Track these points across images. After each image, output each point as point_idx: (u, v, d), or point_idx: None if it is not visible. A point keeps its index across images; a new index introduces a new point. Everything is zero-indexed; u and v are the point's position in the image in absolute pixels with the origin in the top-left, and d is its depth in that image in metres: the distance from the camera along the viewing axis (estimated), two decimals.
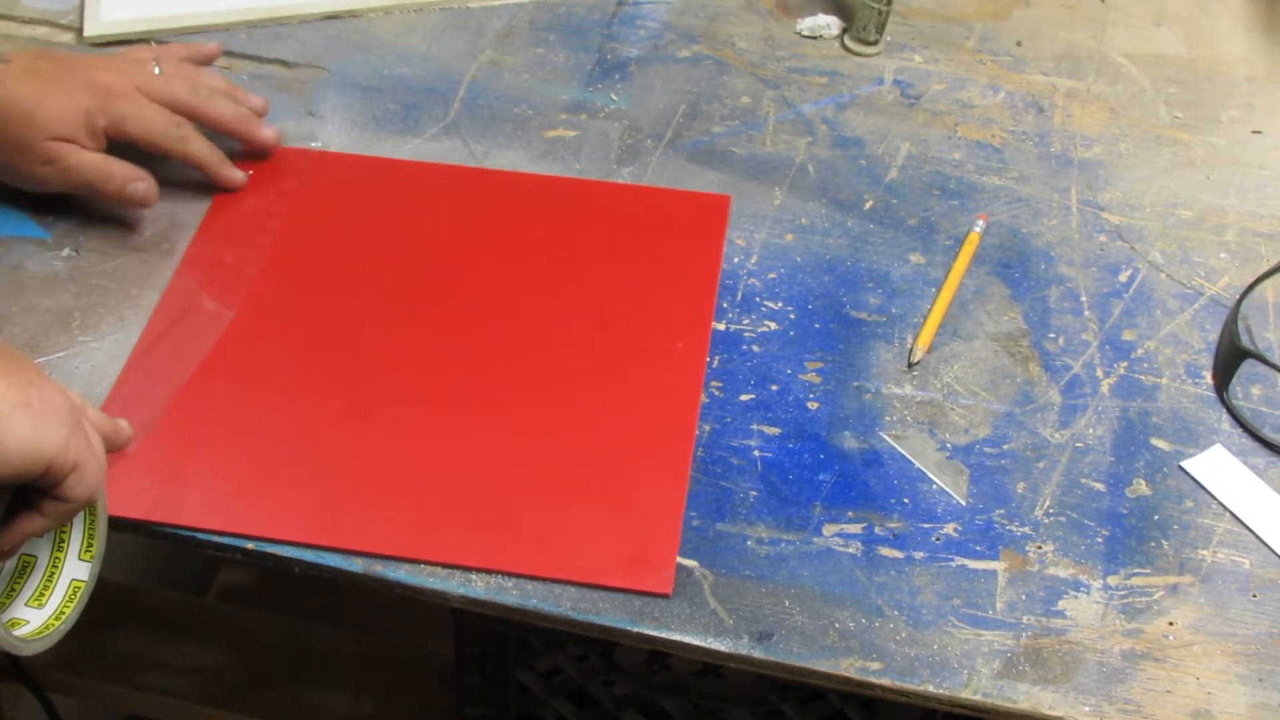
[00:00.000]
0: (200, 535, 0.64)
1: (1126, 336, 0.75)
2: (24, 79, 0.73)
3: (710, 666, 0.79)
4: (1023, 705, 0.59)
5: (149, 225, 0.78)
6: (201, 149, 0.78)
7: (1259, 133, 0.88)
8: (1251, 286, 0.76)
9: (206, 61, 0.84)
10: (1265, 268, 0.78)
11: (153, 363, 0.70)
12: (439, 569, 0.63)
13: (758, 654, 0.61)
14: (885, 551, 0.65)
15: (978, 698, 0.60)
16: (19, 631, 0.58)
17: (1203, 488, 0.68)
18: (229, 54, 0.89)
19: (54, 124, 0.73)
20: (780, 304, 0.76)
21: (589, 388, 0.70)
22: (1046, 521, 0.66)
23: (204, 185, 0.80)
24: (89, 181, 0.75)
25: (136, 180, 0.75)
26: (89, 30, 0.89)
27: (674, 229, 0.79)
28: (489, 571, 0.63)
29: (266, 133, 0.81)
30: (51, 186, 0.75)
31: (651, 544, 0.64)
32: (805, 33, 0.94)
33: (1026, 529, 0.66)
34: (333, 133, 0.85)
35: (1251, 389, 0.72)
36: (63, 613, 0.59)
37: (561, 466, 0.67)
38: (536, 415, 0.69)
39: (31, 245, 0.76)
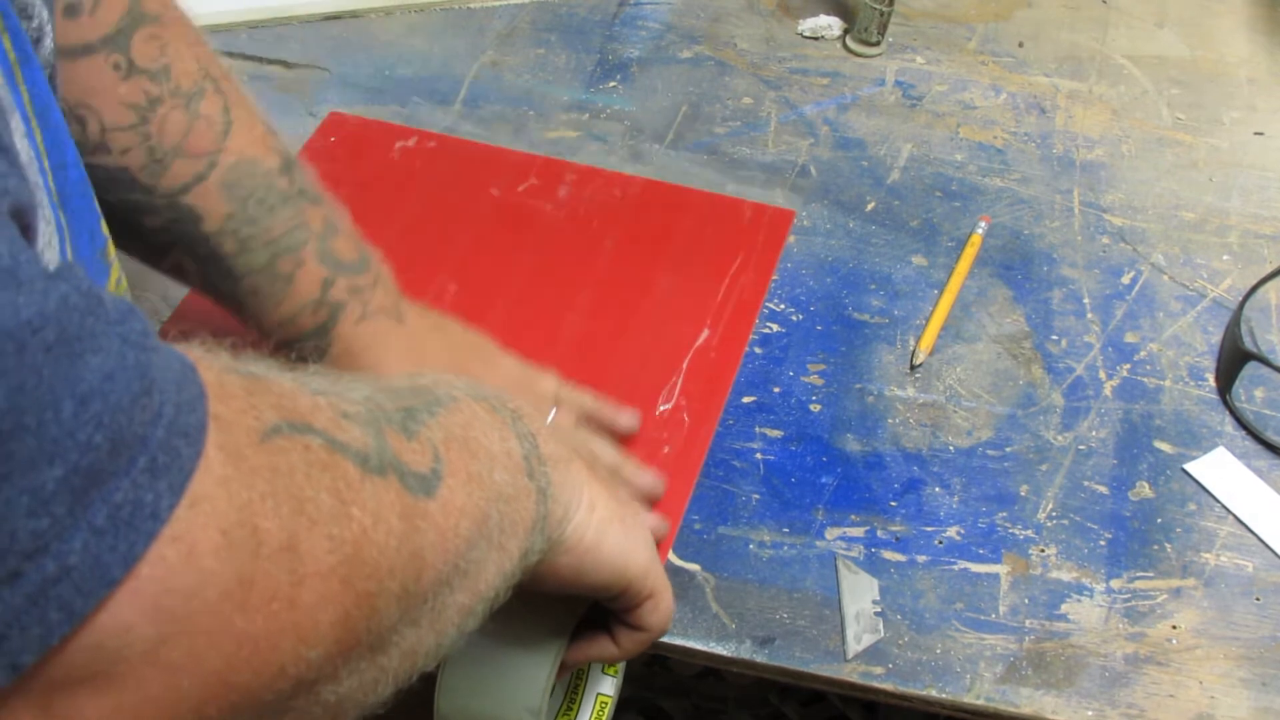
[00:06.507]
0: None
1: (1129, 339, 0.75)
2: (402, 362, 0.62)
3: (711, 669, 0.79)
4: (1025, 709, 0.59)
5: None
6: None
7: (1261, 134, 0.88)
8: (1254, 289, 0.76)
9: (610, 429, 0.68)
10: (1268, 270, 0.77)
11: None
12: None
13: (760, 658, 0.60)
14: (888, 555, 0.64)
15: (980, 702, 0.59)
16: None
17: (1205, 490, 0.68)
18: (228, 54, 0.89)
19: None
20: (782, 306, 0.75)
21: (626, 373, 0.72)
22: (1049, 524, 0.66)
23: None
24: None
25: None
26: None
27: (736, 236, 0.79)
28: None
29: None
30: None
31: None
32: (807, 34, 0.94)
33: (1029, 532, 0.66)
34: None
35: (1254, 391, 0.72)
36: None
37: None
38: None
39: None
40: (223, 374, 0.32)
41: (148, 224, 0.58)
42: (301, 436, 0.32)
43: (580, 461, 0.49)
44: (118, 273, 0.46)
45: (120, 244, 0.57)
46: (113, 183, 0.56)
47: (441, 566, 0.37)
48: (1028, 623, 0.62)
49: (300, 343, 0.61)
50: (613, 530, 0.49)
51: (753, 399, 0.71)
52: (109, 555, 0.27)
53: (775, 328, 0.74)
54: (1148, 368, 0.73)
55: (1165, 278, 0.78)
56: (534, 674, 0.51)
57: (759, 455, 0.68)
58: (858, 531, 0.65)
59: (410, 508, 0.36)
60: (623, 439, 0.67)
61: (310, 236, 0.60)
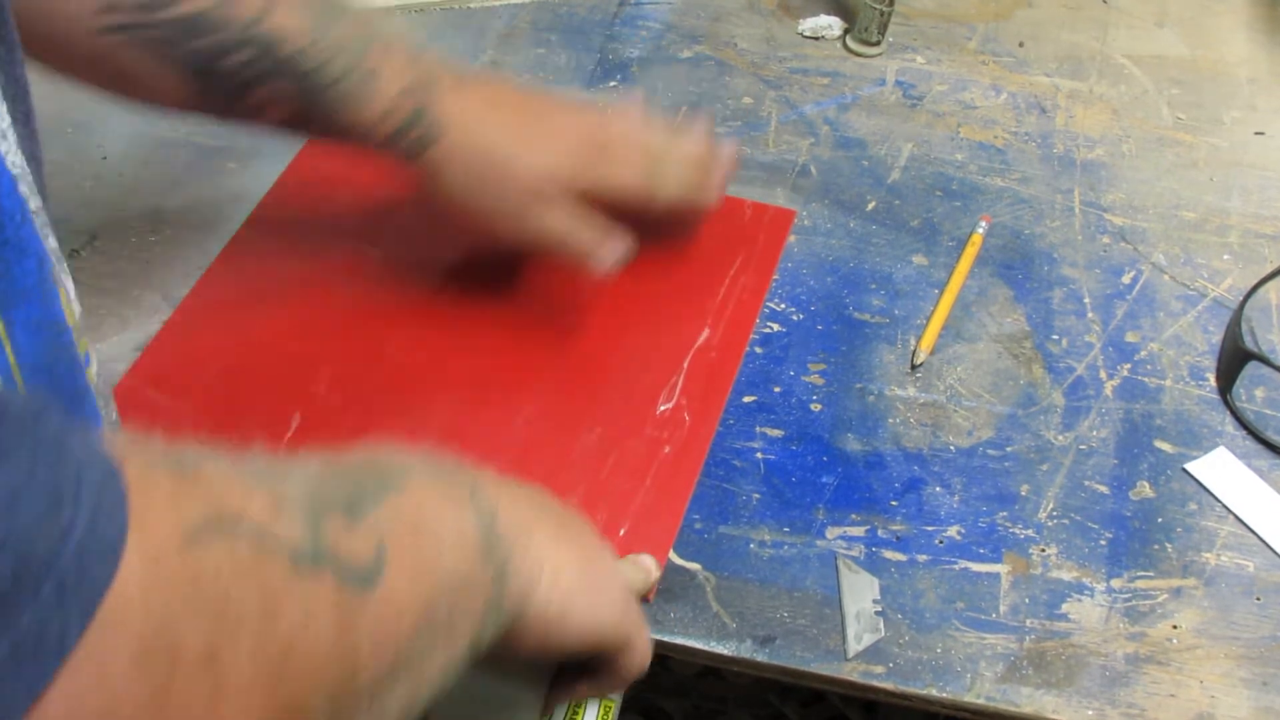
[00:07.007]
0: None
1: (1130, 338, 0.75)
2: (502, 128, 0.65)
3: (711, 668, 0.79)
4: (1025, 709, 0.59)
5: (151, 229, 0.78)
6: (673, 191, 0.71)
7: (1261, 134, 0.88)
8: (1255, 288, 0.76)
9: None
10: (1268, 269, 0.77)
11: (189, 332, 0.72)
12: None
13: (760, 657, 0.60)
14: (888, 554, 0.64)
15: (980, 701, 0.59)
16: None
17: (1206, 490, 0.68)
18: None
19: (532, 177, 0.65)
20: (783, 305, 0.75)
21: (627, 372, 0.71)
22: (1050, 524, 0.66)
23: (209, 192, 0.80)
24: (560, 241, 0.67)
25: (603, 246, 0.68)
26: None
27: (737, 235, 0.79)
28: None
29: (713, 183, 0.73)
30: (519, 240, 0.67)
31: (656, 517, 0.65)
32: (807, 33, 0.94)
33: (1030, 531, 0.66)
34: None
35: (1255, 391, 0.72)
36: None
37: (581, 445, 0.68)
38: (567, 394, 0.70)
39: None
40: (148, 469, 0.31)
41: (229, 64, 0.59)
42: (229, 533, 0.31)
43: (546, 529, 0.48)
44: (66, 296, 0.46)
45: (198, 103, 0.62)
46: (189, 32, 0.58)
47: (380, 661, 0.36)
48: (1028, 622, 0.62)
49: (400, 136, 0.63)
50: (579, 599, 0.48)
51: (753, 398, 0.71)
52: (11, 691, 0.26)
53: (776, 327, 0.74)
54: (1148, 367, 0.73)
55: (1166, 277, 0.78)
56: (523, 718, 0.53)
57: (759, 455, 0.68)
58: (858, 531, 0.65)
59: (346, 603, 0.34)
60: (622, 444, 0.68)
61: (375, 31, 0.62)
